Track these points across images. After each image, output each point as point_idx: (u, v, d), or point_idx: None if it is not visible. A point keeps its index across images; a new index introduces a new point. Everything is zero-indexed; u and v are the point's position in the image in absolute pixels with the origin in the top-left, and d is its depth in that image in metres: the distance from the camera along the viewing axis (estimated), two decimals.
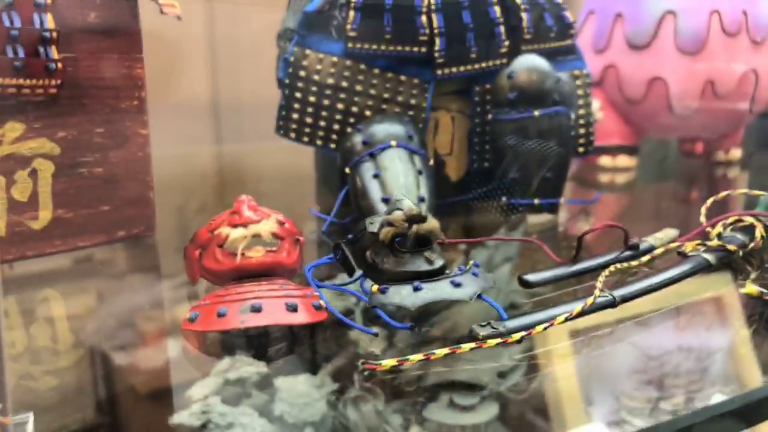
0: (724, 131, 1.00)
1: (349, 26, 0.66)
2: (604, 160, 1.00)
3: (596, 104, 1.00)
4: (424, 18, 0.66)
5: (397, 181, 0.60)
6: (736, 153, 1.05)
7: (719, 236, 0.54)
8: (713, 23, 0.86)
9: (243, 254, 0.43)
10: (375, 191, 0.60)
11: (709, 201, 0.65)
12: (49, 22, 0.50)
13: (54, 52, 0.51)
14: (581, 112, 0.76)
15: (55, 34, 0.50)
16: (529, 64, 0.67)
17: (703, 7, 0.87)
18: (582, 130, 0.76)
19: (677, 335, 0.44)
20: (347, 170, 0.64)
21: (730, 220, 0.56)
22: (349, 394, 0.37)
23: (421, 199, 0.60)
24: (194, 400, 0.37)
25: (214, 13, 1.18)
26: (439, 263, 0.45)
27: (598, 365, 0.40)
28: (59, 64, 0.51)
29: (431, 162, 0.67)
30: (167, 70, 1.12)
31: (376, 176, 0.61)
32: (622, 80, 0.94)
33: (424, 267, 0.44)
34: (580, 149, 0.77)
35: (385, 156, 0.63)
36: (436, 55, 0.67)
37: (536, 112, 0.66)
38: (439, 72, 0.68)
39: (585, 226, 0.77)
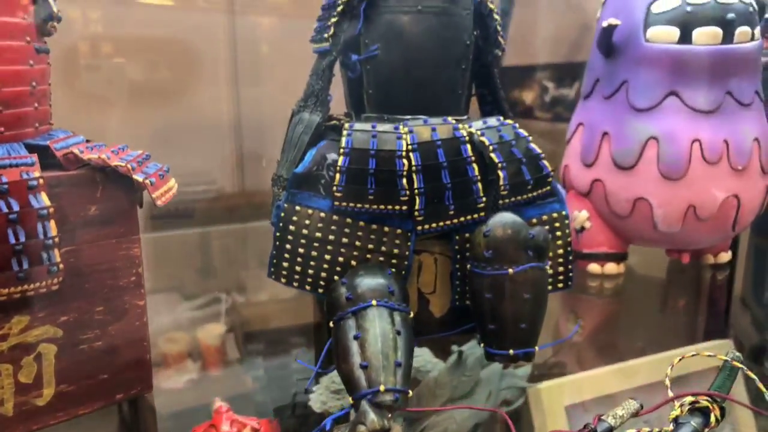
0: (710, 245, 1.03)
1: (335, 187, 0.70)
2: (593, 268, 1.03)
3: (584, 214, 1.03)
4: (405, 180, 0.70)
5: (375, 347, 0.64)
6: (726, 256, 1.08)
7: (676, 420, 0.57)
8: (694, 152, 0.89)
9: None
10: (355, 356, 0.64)
11: (676, 361, 0.68)
12: (52, 229, 0.55)
13: (56, 256, 0.55)
14: (559, 251, 0.79)
15: (57, 239, 0.55)
16: (503, 222, 0.70)
17: (685, 135, 0.89)
18: (561, 269, 0.80)
19: None
20: (331, 324, 0.69)
21: (688, 399, 0.59)
22: None
23: (398, 364, 0.64)
24: None
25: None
26: None
27: None
28: (61, 266, 0.56)
29: (412, 312, 0.71)
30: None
31: (356, 338, 0.65)
32: (609, 196, 0.97)
33: None
34: (560, 285, 0.80)
35: (366, 317, 0.67)
36: (416, 213, 0.71)
37: (510, 270, 0.70)
38: (419, 228, 0.72)
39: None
